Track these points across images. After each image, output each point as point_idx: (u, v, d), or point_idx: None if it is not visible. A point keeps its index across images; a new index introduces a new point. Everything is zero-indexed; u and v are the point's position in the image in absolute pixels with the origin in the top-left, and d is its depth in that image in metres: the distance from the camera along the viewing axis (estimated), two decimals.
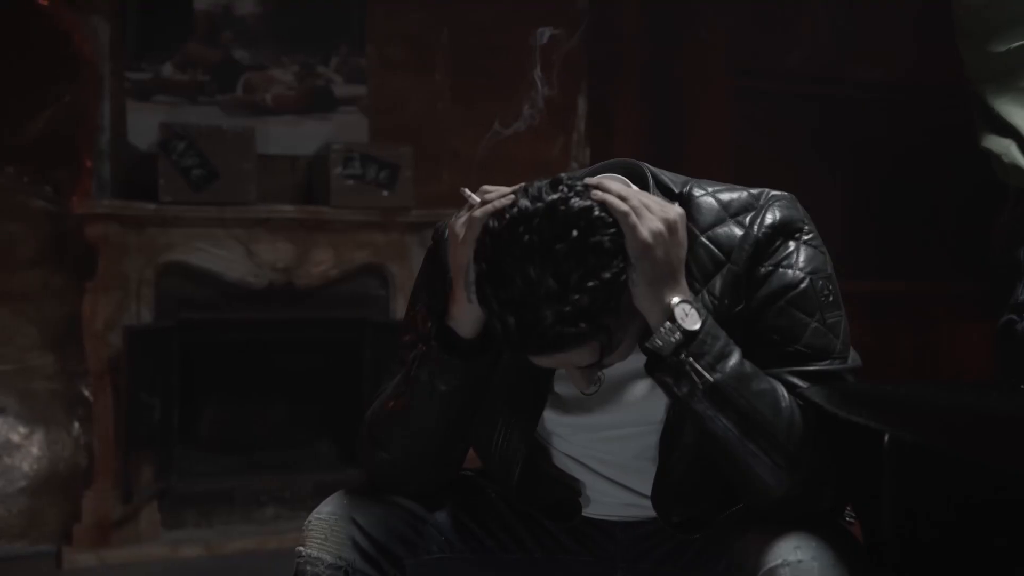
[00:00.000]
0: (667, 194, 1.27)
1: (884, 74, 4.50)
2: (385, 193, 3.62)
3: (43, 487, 3.48)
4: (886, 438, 1.07)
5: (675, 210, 1.12)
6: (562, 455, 1.34)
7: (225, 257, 3.50)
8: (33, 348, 3.48)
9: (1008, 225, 1.47)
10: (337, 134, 3.78)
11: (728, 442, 1.11)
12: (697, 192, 1.26)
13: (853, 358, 1.21)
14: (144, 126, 3.53)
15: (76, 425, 3.51)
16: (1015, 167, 1.45)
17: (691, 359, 1.09)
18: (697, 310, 1.10)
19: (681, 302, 1.09)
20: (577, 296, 1.03)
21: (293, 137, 3.77)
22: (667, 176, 1.30)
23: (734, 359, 1.11)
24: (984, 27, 1.49)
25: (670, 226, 1.10)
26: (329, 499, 1.26)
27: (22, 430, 3.48)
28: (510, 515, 1.34)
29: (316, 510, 1.25)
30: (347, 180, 3.59)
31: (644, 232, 1.08)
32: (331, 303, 3.62)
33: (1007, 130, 1.46)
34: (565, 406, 1.29)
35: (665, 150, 4.49)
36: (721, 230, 1.22)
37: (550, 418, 1.30)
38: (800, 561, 1.06)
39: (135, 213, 3.38)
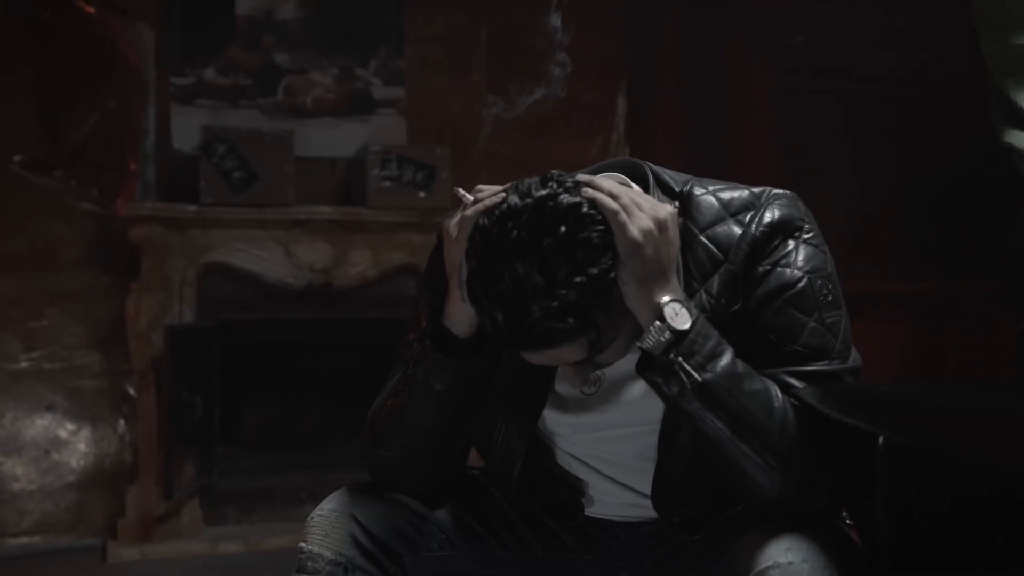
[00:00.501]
0: (668, 193, 1.26)
1: (936, 70, 4.42)
2: (422, 194, 3.65)
3: (90, 483, 3.57)
4: (880, 439, 1.06)
5: (666, 209, 1.12)
6: (565, 454, 1.34)
7: (265, 258, 3.56)
8: (80, 347, 3.57)
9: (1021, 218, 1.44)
10: (376, 136, 3.82)
11: (720, 442, 1.10)
12: (697, 191, 1.25)
13: (854, 358, 1.19)
14: (187, 130, 3.61)
15: (121, 422, 3.59)
16: None
17: (680, 359, 1.08)
18: (688, 309, 1.10)
19: (671, 301, 1.09)
20: (565, 291, 1.03)
21: (332, 139, 3.82)
22: (669, 174, 1.29)
23: (725, 359, 1.10)
24: (1006, 18, 1.45)
25: (660, 225, 1.09)
26: (331, 496, 1.28)
27: (70, 427, 3.57)
28: (512, 513, 1.34)
29: (319, 507, 1.27)
30: (384, 182, 3.62)
31: (634, 230, 1.07)
32: (368, 303, 3.65)
33: None
34: (565, 405, 1.29)
35: (709, 149, 4.46)
36: (720, 229, 1.21)
37: (551, 417, 1.30)
38: (791, 563, 1.05)
39: (177, 215, 3.45)
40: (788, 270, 1.18)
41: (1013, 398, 1.02)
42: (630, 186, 1.25)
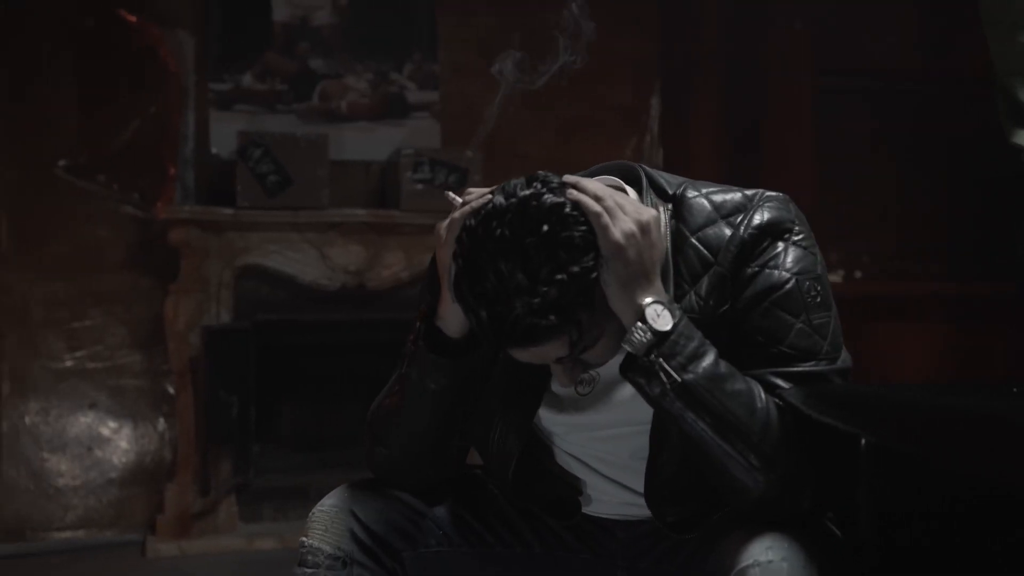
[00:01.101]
0: (661, 195, 1.28)
1: (975, 68, 4.35)
2: None
3: (131, 479, 3.66)
4: (863, 440, 1.07)
5: (649, 212, 1.13)
6: (564, 453, 1.36)
7: (299, 260, 3.62)
8: (122, 347, 3.67)
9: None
10: (410, 139, 3.87)
11: (703, 442, 1.12)
12: (690, 193, 1.26)
13: (843, 359, 1.19)
14: (225, 135, 3.68)
15: (161, 421, 3.68)
16: None
17: (661, 359, 1.09)
18: (670, 311, 1.11)
19: (653, 303, 1.10)
20: (546, 289, 1.05)
21: (367, 143, 3.87)
22: (664, 177, 1.31)
23: (708, 360, 1.11)
24: (1012, 17, 1.44)
25: (643, 227, 1.11)
26: (332, 492, 1.32)
27: (112, 425, 3.67)
28: (511, 511, 1.36)
29: (320, 502, 1.30)
30: (417, 184, 3.66)
31: (616, 233, 1.09)
32: (401, 305, 3.70)
33: None
34: (561, 405, 1.31)
35: (744, 150, 4.44)
36: (711, 231, 1.22)
37: (547, 417, 1.32)
38: (770, 561, 1.06)
39: (214, 218, 3.53)
40: (776, 272, 1.18)
41: (999, 400, 1.02)
42: (623, 189, 1.27)
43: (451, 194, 1.21)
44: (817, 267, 1.21)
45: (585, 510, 1.36)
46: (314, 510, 1.29)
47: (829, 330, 1.19)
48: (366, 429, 1.32)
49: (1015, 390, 1.11)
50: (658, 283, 1.12)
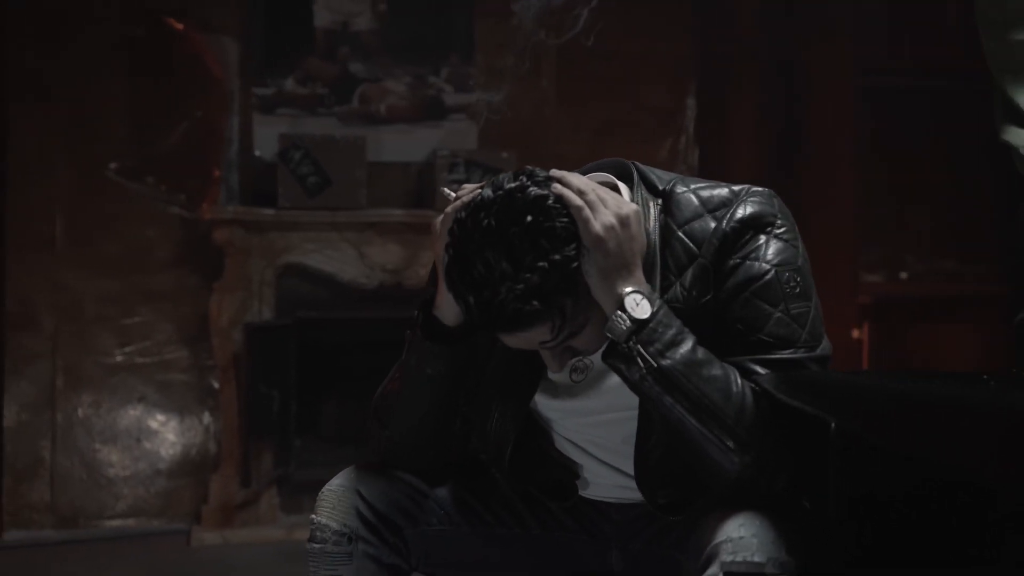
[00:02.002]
0: (652, 191, 1.33)
1: None
2: None
3: (177, 471, 3.80)
4: (832, 424, 1.11)
5: (630, 206, 1.19)
6: (561, 438, 1.42)
7: (338, 259, 3.73)
8: (170, 343, 3.80)
9: (1021, 215, 1.45)
10: (447, 141, 3.95)
11: (682, 425, 1.17)
12: (679, 189, 1.32)
13: (823, 347, 1.24)
14: (268, 137, 3.80)
15: (207, 414, 3.81)
16: None
17: (639, 346, 1.15)
18: (649, 300, 1.16)
19: (632, 292, 1.16)
20: (529, 275, 1.12)
21: (405, 145, 3.96)
22: (656, 174, 1.36)
23: (685, 347, 1.16)
24: (1005, 15, 1.47)
25: (622, 220, 1.17)
26: (340, 473, 1.39)
27: (160, 418, 3.81)
28: (510, 494, 1.42)
29: (328, 483, 1.38)
30: (453, 185, 3.74)
31: (597, 226, 1.15)
32: None
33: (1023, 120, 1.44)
34: (556, 392, 1.37)
35: (784, 150, 4.44)
36: (697, 224, 1.27)
37: (544, 403, 1.38)
38: (741, 537, 1.11)
39: (256, 218, 3.65)
40: (756, 263, 1.23)
41: (966, 387, 1.06)
42: (615, 185, 1.32)
43: (446, 190, 1.28)
44: (798, 259, 1.25)
45: (582, 493, 1.42)
46: (323, 489, 1.37)
47: (808, 319, 1.23)
48: (370, 414, 1.39)
49: (986, 378, 1.14)
50: (638, 273, 1.18)
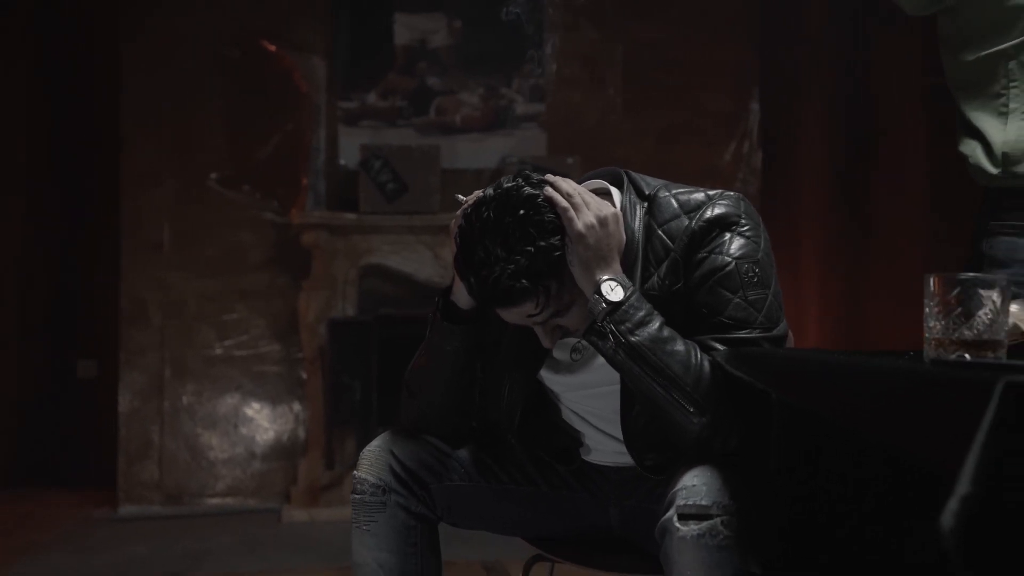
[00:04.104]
0: (639, 195, 1.54)
1: None
2: None
3: (270, 454, 4.14)
4: (773, 394, 1.31)
5: (610, 209, 1.41)
6: (567, 410, 1.64)
7: (415, 260, 4.01)
8: (263, 337, 4.15)
9: (976, 221, 1.61)
10: (517, 148, 4.20)
11: (650, 391, 1.38)
12: (662, 193, 1.53)
13: (778, 329, 1.43)
14: (351, 148, 4.12)
15: (296, 403, 4.15)
16: (979, 168, 1.58)
17: (612, 325, 1.37)
18: (623, 286, 1.38)
19: (608, 279, 1.38)
20: (519, 258, 1.35)
21: (478, 152, 4.23)
22: (645, 180, 1.57)
23: (653, 326, 1.38)
24: (958, 36, 1.62)
25: (602, 221, 1.39)
26: (378, 436, 1.64)
27: (255, 406, 4.16)
28: (523, 457, 1.65)
29: (368, 445, 1.63)
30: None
31: (579, 224, 1.38)
32: None
33: (975, 134, 1.59)
34: (558, 368, 1.59)
35: (853, 154, 4.52)
36: (674, 224, 1.48)
37: (549, 378, 1.61)
38: (694, 485, 1.32)
39: (341, 222, 3.97)
40: (720, 256, 1.43)
41: (885, 360, 1.24)
42: (608, 189, 1.55)
43: (460, 196, 1.52)
44: (758, 254, 1.45)
45: (584, 457, 1.64)
46: (363, 450, 1.62)
47: (764, 305, 1.42)
48: (403, 386, 1.64)
49: (910, 354, 1.32)
50: (615, 265, 1.39)
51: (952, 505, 0.78)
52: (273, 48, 4.11)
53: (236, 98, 4.15)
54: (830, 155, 4.69)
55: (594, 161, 4.29)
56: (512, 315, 1.42)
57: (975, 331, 1.10)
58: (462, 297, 1.52)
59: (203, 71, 4.14)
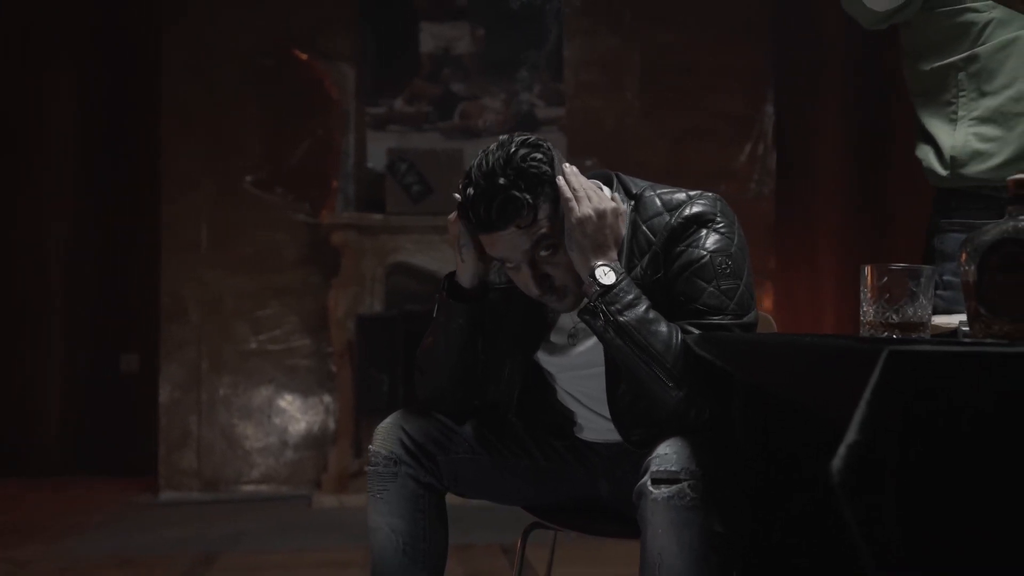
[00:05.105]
0: (627, 194, 1.71)
1: None
2: None
3: (302, 444, 4.35)
4: (735, 374, 1.47)
5: (610, 204, 1.57)
6: (562, 391, 1.80)
7: (440, 259, 4.19)
8: (295, 332, 4.36)
9: (930, 219, 1.75)
10: None
11: (635, 366, 1.54)
12: (647, 193, 1.69)
13: (748, 317, 1.58)
14: (379, 151, 4.31)
15: (326, 395, 4.35)
16: (931, 170, 1.73)
17: (603, 305, 1.53)
18: (615, 271, 1.54)
19: (602, 265, 1.54)
20: (513, 177, 1.52)
21: None
22: (633, 181, 1.73)
23: (640, 308, 1.53)
24: (915, 48, 1.77)
25: (599, 213, 1.55)
26: (391, 414, 1.82)
27: (287, 397, 4.37)
28: (522, 433, 1.81)
29: (381, 422, 1.81)
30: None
31: (579, 213, 1.54)
32: None
33: (928, 138, 1.74)
34: (554, 350, 1.75)
35: (868, 154, 4.63)
36: (656, 220, 1.64)
37: (545, 360, 1.77)
38: (666, 454, 1.48)
39: (368, 223, 4.16)
40: (696, 250, 1.59)
41: (832, 340, 1.39)
42: (602, 189, 1.71)
43: (458, 195, 1.69)
44: (731, 248, 1.60)
45: (578, 435, 1.80)
46: (377, 426, 1.80)
47: (736, 294, 1.58)
48: (414, 365, 1.81)
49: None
50: (611, 252, 1.55)
51: (841, 451, 0.94)
52: (305, 57, 4.32)
53: (270, 105, 4.36)
54: (845, 155, 4.80)
55: (612, 163, 4.44)
56: (505, 243, 1.56)
57: (901, 315, 1.25)
58: (466, 278, 1.70)
59: (239, 80, 4.35)
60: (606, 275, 1.54)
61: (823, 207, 4.86)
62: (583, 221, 1.54)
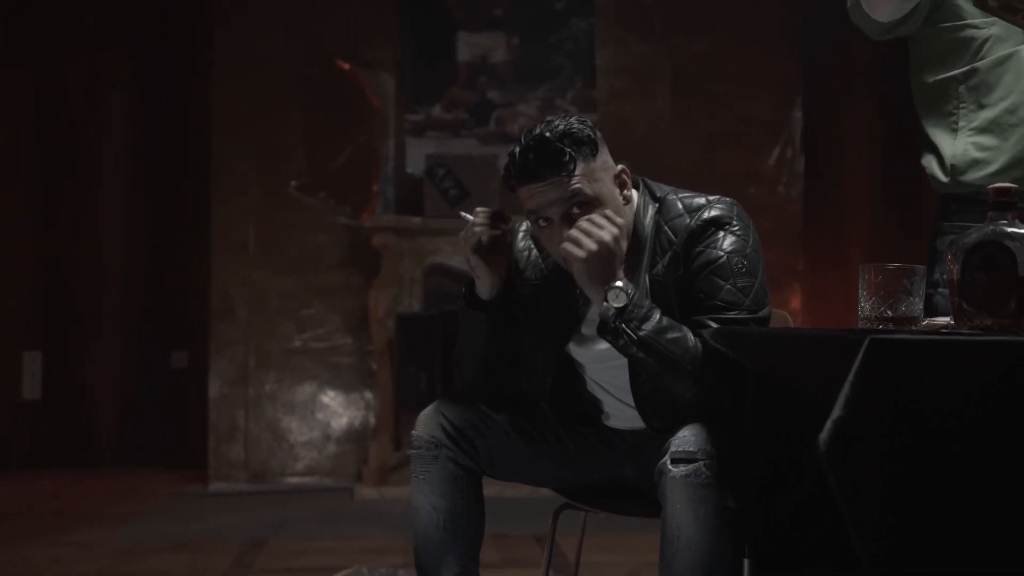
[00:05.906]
0: (652, 197, 1.85)
1: None
2: None
3: (344, 438, 4.53)
4: (748, 367, 1.60)
5: (612, 232, 1.67)
6: (591, 380, 1.94)
7: None
8: (337, 331, 4.54)
9: (932, 222, 1.88)
10: None
11: (655, 371, 1.69)
12: (671, 197, 1.83)
13: (763, 312, 1.72)
14: (418, 157, 4.48)
15: (367, 391, 4.52)
16: (934, 177, 1.85)
17: (622, 324, 1.67)
18: (625, 292, 1.67)
19: (612, 288, 1.68)
20: (559, 135, 1.69)
21: None
22: (657, 186, 1.87)
23: (654, 320, 1.67)
24: (919, 60, 1.89)
25: (600, 244, 1.66)
26: (432, 403, 1.98)
27: (330, 393, 4.55)
28: (553, 419, 1.96)
29: (424, 409, 1.97)
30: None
31: (580, 255, 1.67)
32: None
33: (931, 147, 1.86)
34: (583, 342, 1.90)
35: (897, 157, 4.71)
36: (678, 222, 1.79)
37: (576, 351, 1.91)
38: (685, 437, 1.62)
39: (407, 226, 4.33)
40: (714, 250, 1.73)
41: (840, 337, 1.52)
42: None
43: (464, 213, 1.85)
44: (747, 249, 1.74)
45: (605, 422, 1.95)
46: (420, 414, 1.95)
47: (751, 291, 1.72)
48: (453, 363, 1.97)
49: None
50: (618, 273, 1.68)
51: (827, 425, 1.08)
52: (347, 66, 4.50)
53: (314, 112, 4.55)
54: (874, 159, 4.90)
55: (644, 167, 4.57)
56: (543, 195, 1.70)
57: (895, 310, 1.38)
58: (483, 290, 1.85)
59: (285, 89, 4.54)
60: (617, 297, 1.68)
61: (851, 209, 4.95)
62: (587, 261, 1.67)
